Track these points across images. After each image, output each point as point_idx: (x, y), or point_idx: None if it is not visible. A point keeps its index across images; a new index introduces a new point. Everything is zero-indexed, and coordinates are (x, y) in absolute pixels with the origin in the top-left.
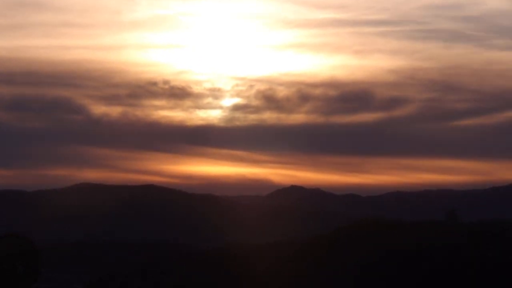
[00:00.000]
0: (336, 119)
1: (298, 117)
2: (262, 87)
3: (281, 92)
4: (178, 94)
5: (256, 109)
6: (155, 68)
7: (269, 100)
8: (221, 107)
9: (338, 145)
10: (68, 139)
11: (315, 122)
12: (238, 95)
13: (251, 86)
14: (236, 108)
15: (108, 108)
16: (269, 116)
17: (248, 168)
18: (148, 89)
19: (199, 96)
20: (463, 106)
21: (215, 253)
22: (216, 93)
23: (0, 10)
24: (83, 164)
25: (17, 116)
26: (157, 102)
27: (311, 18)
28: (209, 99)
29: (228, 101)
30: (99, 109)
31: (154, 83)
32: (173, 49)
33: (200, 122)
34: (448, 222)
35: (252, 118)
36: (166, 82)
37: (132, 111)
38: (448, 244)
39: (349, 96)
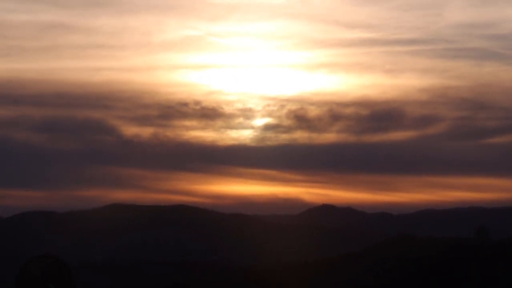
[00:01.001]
0: (367, 138)
1: (329, 136)
2: (293, 106)
3: (312, 111)
4: (209, 114)
5: (288, 129)
6: (185, 89)
7: (301, 119)
8: (252, 127)
9: (369, 163)
10: (99, 160)
11: (346, 141)
12: (269, 115)
13: (282, 106)
14: (268, 128)
15: (139, 129)
16: (301, 136)
17: (280, 187)
18: (179, 110)
19: (230, 116)
20: (494, 124)
21: (247, 272)
22: (247, 113)
23: (29, 33)
24: (115, 185)
25: (48, 138)
26: (188, 123)
27: (342, 37)
28: (240, 119)
29: (260, 121)
30: (130, 130)
31: (185, 104)
32: (203, 70)
33: (231, 142)
34: (478, 239)
35: (283, 137)
36: (197, 102)
37: (163, 131)
38: (477, 261)
39: (381, 115)
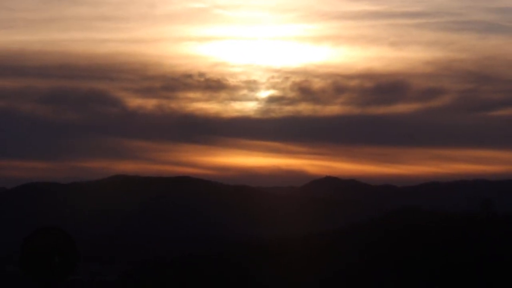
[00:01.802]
0: (372, 110)
1: (333, 109)
2: (297, 79)
3: (317, 84)
4: (213, 86)
5: (292, 101)
6: (190, 61)
7: (305, 92)
8: (256, 99)
9: (373, 136)
10: (103, 131)
11: (350, 113)
12: (273, 87)
13: (287, 78)
14: (272, 100)
15: (143, 101)
16: (305, 108)
17: (283, 159)
18: (183, 82)
19: (234, 88)
20: (498, 97)
21: (249, 244)
22: (251, 85)
23: (34, 4)
24: (119, 156)
25: (53, 109)
26: (192, 95)
27: (347, 10)
28: (245, 91)
29: (264, 93)
30: (134, 101)
31: (189, 76)
32: (208, 42)
33: (235, 114)
34: (483, 212)
35: (287, 109)
36: (201, 74)
37: (167, 103)
38: (482, 235)
39: (385, 87)
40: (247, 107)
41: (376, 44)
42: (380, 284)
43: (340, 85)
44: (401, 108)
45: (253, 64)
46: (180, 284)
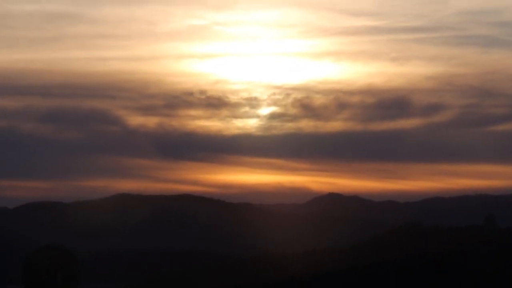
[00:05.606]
0: (374, 126)
1: (335, 125)
2: (299, 95)
3: (318, 100)
4: (215, 103)
5: (293, 118)
6: (191, 78)
7: (306, 108)
8: (258, 116)
9: (376, 151)
10: (104, 150)
11: (353, 129)
12: (275, 103)
13: (288, 95)
14: (273, 116)
15: (144, 119)
16: (306, 124)
17: (286, 176)
18: (184, 99)
19: (235, 105)
20: (500, 111)
21: (252, 262)
22: (252, 102)
23: (35, 23)
24: (120, 175)
25: (53, 128)
26: (194, 112)
27: (347, 25)
28: (246, 108)
29: (265, 110)
30: (135, 120)
31: (190, 93)
32: (209, 59)
33: (237, 131)
34: (486, 227)
35: (289, 126)
36: (202, 92)
37: (168, 121)
38: (485, 248)
39: (387, 103)
40: (249, 124)
41: (377, 59)
42: None
43: (341, 101)
44: (403, 123)
45: (254, 81)
46: None
